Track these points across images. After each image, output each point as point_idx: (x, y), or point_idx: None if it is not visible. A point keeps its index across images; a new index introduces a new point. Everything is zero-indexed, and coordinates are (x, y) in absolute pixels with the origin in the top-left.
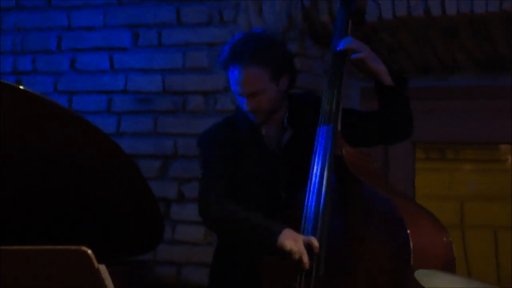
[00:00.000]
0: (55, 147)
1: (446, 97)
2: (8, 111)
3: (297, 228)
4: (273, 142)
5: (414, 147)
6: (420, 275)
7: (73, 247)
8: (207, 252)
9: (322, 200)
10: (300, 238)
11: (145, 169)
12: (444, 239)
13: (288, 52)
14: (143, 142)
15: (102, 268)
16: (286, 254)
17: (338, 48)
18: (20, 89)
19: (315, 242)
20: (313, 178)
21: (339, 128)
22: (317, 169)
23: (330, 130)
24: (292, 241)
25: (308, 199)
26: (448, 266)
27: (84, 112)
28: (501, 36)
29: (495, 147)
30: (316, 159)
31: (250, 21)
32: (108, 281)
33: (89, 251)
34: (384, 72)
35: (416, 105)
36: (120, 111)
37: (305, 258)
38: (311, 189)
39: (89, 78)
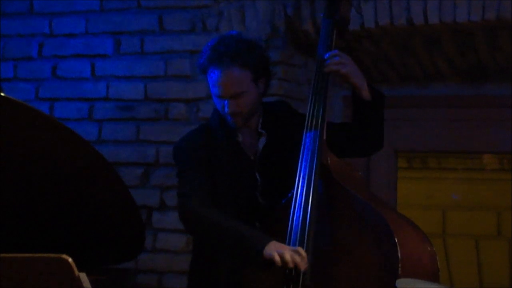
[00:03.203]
0: (35, 154)
1: (429, 105)
2: None
3: (280, 237)
4: (249, 148)
5: (396, 155)
6: (402, 283)
7: (53, 255)
8: (189, 261)
9: (309, 209)
10: (287, 248)
11: (127, 177)
12: (429, 248)
13: (266, 54)
14: (125, 150)
15: (83, 276)
16: (272, 264)
17: (324, 63)
18: (1, 95)
19: (302, 251)
20: (300, 186)
21: (324, 136)
22: (303, 175)
23: (317, 136)
24: (281, 251)
25: (294, 207)
26: (433, 276)
27: (65, 119)
28: (483, 45)
29: (477, 156)
30: (303, 165)
31: (232, 28)
32: None
33: (70, 259)
34: (364, 87)
35: (399, 114)
36: (102, 118)
37: (302, 265)
38: (297, 197)
39: (71, 85)
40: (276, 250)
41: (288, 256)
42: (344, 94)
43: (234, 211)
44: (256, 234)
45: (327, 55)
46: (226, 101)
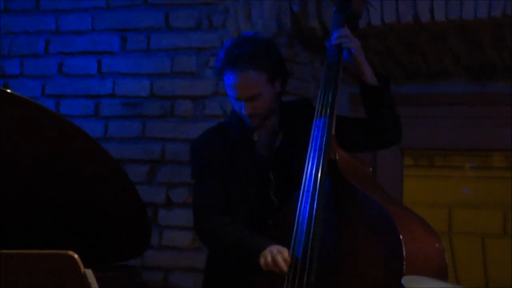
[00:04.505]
0: (41, 151)
1: (435, 103)
2: None
3: (289, 234)
4: (265, 148)
5: (403, 153)
6: (407, 281)
7: (60, 252)
8: (195, 258)
9: (314, 206)
10: (274, 251)
11: (133, 174)
12: (437, 245)
13: (281, 54)
14: (131, 147)
15: (89, 273)
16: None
17: (332, 38)
18: (7, 92)
19: (285, 253)
20: (307, 183)
21: (333, 132)
22: (310, 172)
23: (325, 132)
24: (268, 259)
25: (301, 203)
26: (440, 273)
27: (71, 116)
28: (490, 43)
29: (483, 154)
30: (311, 161)
31: (239, 26)
32: (95, 285)
33: (76, 256)
34: (369, 71)
35: (405, 112)
36: (108, 115)
37: (284, 268)
38: (304, 194)
39: (77, 82)
40: (265, 259)
41: (270, 264)
42: (351, 91)
43: (247, 210)
44: (257, 242)
45: (336, 33)
46: (242, 103)
